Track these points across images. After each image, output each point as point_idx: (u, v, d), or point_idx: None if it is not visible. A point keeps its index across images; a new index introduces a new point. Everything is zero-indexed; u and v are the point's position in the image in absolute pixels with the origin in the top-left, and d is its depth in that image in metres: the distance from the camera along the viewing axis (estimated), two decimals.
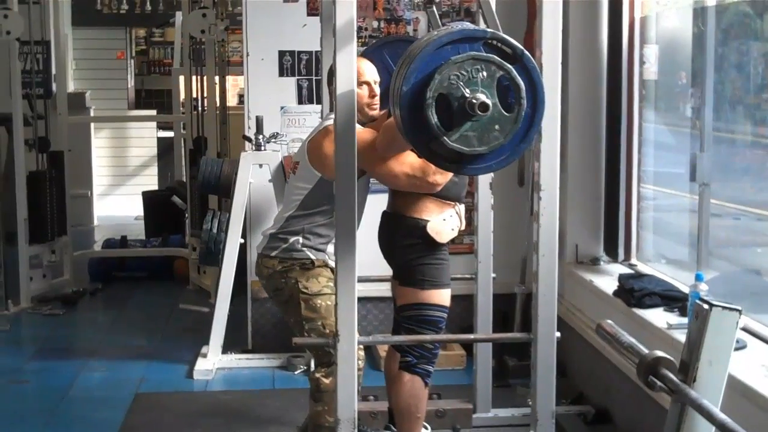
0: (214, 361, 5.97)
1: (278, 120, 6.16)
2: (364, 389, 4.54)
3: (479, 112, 2.64)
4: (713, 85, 4.63)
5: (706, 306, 2.29)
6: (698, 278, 3.91)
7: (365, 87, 4.13)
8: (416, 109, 2.69)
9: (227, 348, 6.08)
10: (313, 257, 4.11)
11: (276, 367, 5.96)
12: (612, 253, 5.57)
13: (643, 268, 5.32)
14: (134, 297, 8.11)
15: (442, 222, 4.10)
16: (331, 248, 4.16)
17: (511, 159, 2.83)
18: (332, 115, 3.15)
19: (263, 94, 6.15)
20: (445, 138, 2.67)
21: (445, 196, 4.09)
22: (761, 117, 4.84)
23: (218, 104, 8.50)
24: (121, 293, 8.22)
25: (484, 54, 2.68)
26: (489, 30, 2.77)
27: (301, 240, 4.11)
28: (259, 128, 5.91)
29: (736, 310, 2.30)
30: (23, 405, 5.53)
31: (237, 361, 6.07)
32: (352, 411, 3.13)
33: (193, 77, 8.56)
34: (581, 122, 5.56)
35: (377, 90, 4.17)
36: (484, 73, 2.67)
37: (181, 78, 9.59)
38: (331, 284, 4.10)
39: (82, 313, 7.66)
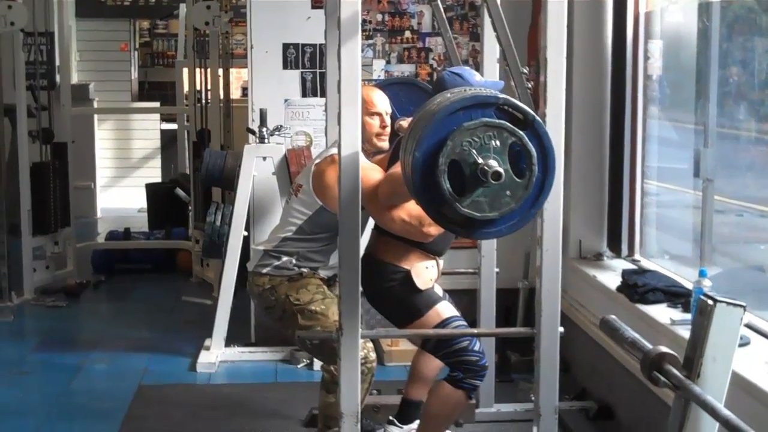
0: (217, 354, 5.97)
1: (282, 112, 6.16)
2: None
3: (492, 181, 2.65)
4: (717, 80, 4.62)
5: (710, 302, 2.29)
6: (702, 274, 3.91)
7: (377, 117, 4.15)
8: (428, 174, 2.70)
9: (230, 341, 6.08)
10: (302, 271, 4.11)
11: (279, 361, 5.96)
12: (615, 248, 5.56)
13: (647, 263, 5.31)
14: (137, 289, 8.12)
15: (425, 269, 4.09)
16: (323, 273, 4.17)
17: (521, 224, 2.86)
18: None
19: (267, 87, 6.15)
20: (457, 204, 2.69)
21: (431, 249, 4.08)
22: (765, 113, 4.84)
23: (222, 96, 8.50)
24: (124, 285, 8.23)
25: (496, 120, 2.70)
26: (501, 96, 2.78)
27: (293, 261, 4.11)
28: (263, 121, 5.91)
29: (741, 306, 2.29)
30: (26, 396, 5.53)
31: (240, 354, 6.07)
32: (355, 405, 3.14)
33: (197, 69, 8.55)
34: (585, 117, 5.55)
35: (388, 121, 4.18)
36: (497, 141, 2.68)
37: (185, 70, 9.58)
38: (322, 289, 4.10)
39: (85, 304, 7.67)
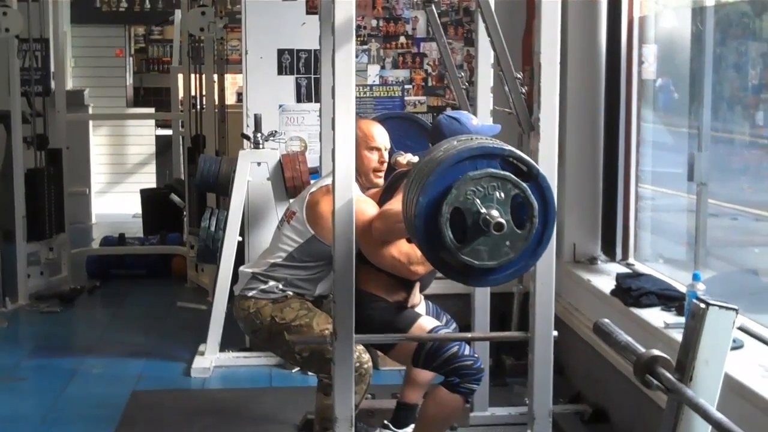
0: (211, 359, 5.97)
1: (277, 118, 6.16)
2: None
3: (494, 232, 2.68)
4: (711, 85, 4.63)
5: (702, 305, 2.29)
6: (695, 278, 3.91)
7: (376, 153, 4.18)
8: (431, 220, 2.74)
9: (225, 346, 6.07)
10: (287, 293, 4.10)
11: (273, 366, 5.95)
12: (609, 252, 5.57)
13: (641, 267, 5.32)
14: (132, 295, 8.11)
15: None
16: (316, 290, 4.16)
17: (518, 274, 2.91)
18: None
19: (262, 93, 6.15)
20: (457, 252, 2.72)
21: (414, 283, 4.11)
22: (760, 117, 4.85)
23: (217, 102, 8.49)
24: (119, 291, 8.22)
25: (501, 172, 2.73)
26: (507, 147, 2.81)
27: (280, 285, 4.11)
28: (258, 126, 5.91)
29: (733, 309, 2.30)
30: (20, 402, 5.53)
31: (234, 359, 6.07)
32: (349, 409, 3.14)
33: (192, 75, 8.56)
34: (580, 121, 5.56)
35: (386, 157, 4.20)
36: (501, 192, 2.72)
37: (180, 76, 9.59)
38: (306, 305, 4.10)
39: (79, 310, 7.67)
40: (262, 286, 4.11)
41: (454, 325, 4.39)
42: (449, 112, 4.18)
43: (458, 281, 2.96)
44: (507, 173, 2.73)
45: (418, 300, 4.21)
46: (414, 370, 4.43)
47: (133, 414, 5.19)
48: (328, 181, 4.03)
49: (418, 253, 3.83)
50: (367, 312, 3.92)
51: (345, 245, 3.08)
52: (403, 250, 3.87)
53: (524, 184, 2.73)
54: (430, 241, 2.76)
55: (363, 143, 4.14)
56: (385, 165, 4.23)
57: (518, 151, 2.80)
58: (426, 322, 4.06)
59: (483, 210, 2.69)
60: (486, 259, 2.74)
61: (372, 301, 3.99)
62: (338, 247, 3.08)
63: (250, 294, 4.12)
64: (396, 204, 3.83)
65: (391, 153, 4.35)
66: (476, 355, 4.03)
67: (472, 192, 2.70)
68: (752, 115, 4.86)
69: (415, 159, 4.25)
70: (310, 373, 5.30)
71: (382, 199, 4.03)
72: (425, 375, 4.43)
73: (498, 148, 2.79)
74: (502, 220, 2.67)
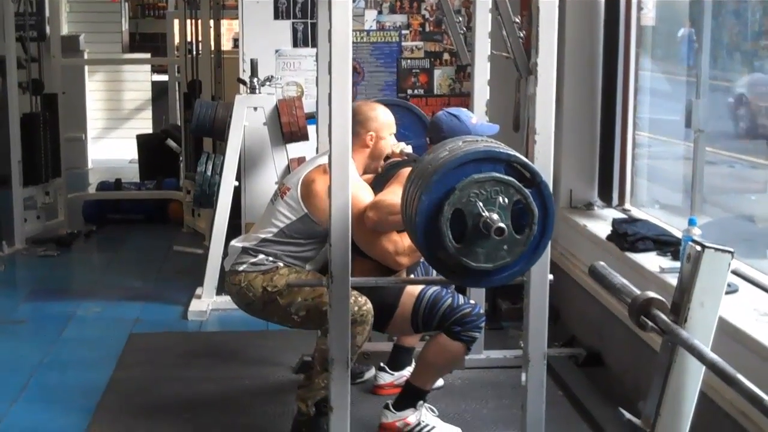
0: (208, 303, 6.00)
1: (273, 63, 6.14)
2: None
3: (495, 236, 2.70)
4: (710, 31, 4.60)
5: (698, 247, 2.30)
6: (691, 223, 3.93)
7: (391, 139, 4.21)
8: (431, 219, 2.75)
9: (221, 290, 6.09)
10: (277, 265, 4.09)
11: None
12: (606, 198, 5.58)
13: (637, 213, 5.33)
14: (129, 239, 8.13)
15: None
16: (306, 267, 4.15)
17: (513, 278, 2.93)
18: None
19: (258, 37, 6.12)
20: (455, 252, 2.74)
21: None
22: (759, 65, 4.83)
23: (213, 47, 8.46)
24: (115, 235, 8.24)
25: (505, 177, 2.75)
26: (513, 153, 2.82)
27: (270, 259, 4.09)
28: (254, 71, 5.89)
29: (729, 251, 2.31)
30: (19, 345, 5.56)
31: (231, 302, 6.06)
32: (345, 352, 3.17)
33: (188, 20, 8.50)
34: (578, 67, 5.55)
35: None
36: (503, 197, 2.73)
37: (176, 21, 9.53)
38: (296, 269, 4.08)
39: (76, 254, 7.70)
40: (252, 260, 4.09)
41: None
42: (449, 108, 4.18)
43: (452, 281, 3.00)
44: (511, 179, 2.75)
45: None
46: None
47: (130, 356, 5.22)
48: (325, 159, 4.03)
49: (406, 243, 3.86)
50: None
51: (342, 195, 3.07)
52: (392, 239, 3.89)
53: (527, 191, 2.75)
54: (429, 240, 2.78)
55: (386, 129, 4.17)
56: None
57: (523, 157, 2.83)
58: (412, 288, 4.07)
59: (485, 213, 2.71)
60: (483, 261, 2.77)
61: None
62: (335, 194, 3.07)
63: (241, 268, 4.10)
64: (390, 195, 3.82)
65: None
66: (472, 302, 4.05)
67: (475, 195, 2.72)
68: (751, 62, 4.85)
69: (408, 149, 4.26)
70: None
71: (374, 188, 4.03)
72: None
73: (504, 153, 2.81)
74: (503, 225, 2.69)
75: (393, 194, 3.78)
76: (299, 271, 4.07)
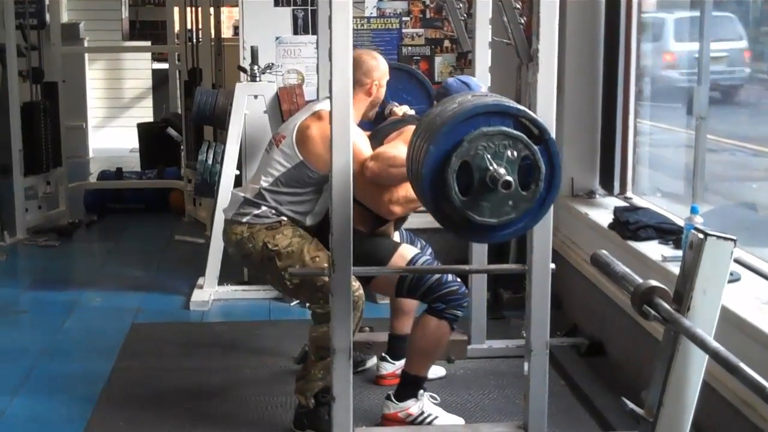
0: (210, 293, 5.99)
1: (273, 51, 6.12)
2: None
3: (502, 189, 2.66)
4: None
5: (701, 235, 2.29)
6: (693, 211, 3.91)
7: (384, 88, 4.22)
8: (438, 170, 2.72)
9: (223, 279, 6.09)
10: (281, 219, 4.09)
11: (272, 299, 5.97)
12: (608, 186, 5.56)
13: (639, 201, 5.32)
14: (130, 229, 8.13)
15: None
16: (306, 220, 4.14)
17: (516, 234, 2.90)
18: (325, 100, 3.15)
19: (258, 25, 6.10)
20: (460, 204, 2.70)
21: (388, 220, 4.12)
22: (759, 51, 4.82)
23: (213, 35, 8.44)
24: (116, 225, 8.24)
25: (515, 131, 2.71)
26: (522, 108, 2.79)
27: (273, 212, 4.08)
28: (254, 59, 5.87)
29: (731, 239, 2.30)
30: (21, 335, 5.56)
31: (233, 292, 6.09)
32: (347, 341, 3.15)
33: (188, 8, 8.48)
34: (579, 54, 5.52)
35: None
36: (512, 151, 2.69)
37: (176, 9, 9.50)
38: (300, 232, 4.08)
39: (77, 244, 7.69)
40: (256, 211, 4.08)
41: (430, 249, 4.40)
42: (459, 76, 4.19)
43: (456, 234, 2.95)
44: (520, 133, 2.71)
45: (391, 233, 4.24)
46: (398, 299, 4.44)
47: (132, 346, 5.22)
48: (320, 106, 4.03)
49: (401, 194, 3.87)
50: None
51: (342, 179, 3.06)
52: (385, 187, 3.90)
53: (534, 147, 2.72)
54: (434, 191, 2.75)
55: (385, 77, 4.20)
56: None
57: (532, 113, 2.80)
58: (406, 251, 4.09)
59: (492, 166, 2.68)
60: (487, 215, 2.73)
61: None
62: (336, 181, 3.06)
63: (244, 219, 4.09)
64: (391, 149, 3.85)
65: (385, 104, 4.37)
66: (459, 281, 4.05)
67: (483, 147, 2.68)
68: (753, 49, 4.83)
69: (411, 112, 4.25)
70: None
71: (373, 144, 4.04)
72: (410, 303, 4.46)
73: (513, 108, 2.78)
74: (511, 179, 2.66)
75: (395, 148, 3.84)
76: (303, 236, 4.04)
